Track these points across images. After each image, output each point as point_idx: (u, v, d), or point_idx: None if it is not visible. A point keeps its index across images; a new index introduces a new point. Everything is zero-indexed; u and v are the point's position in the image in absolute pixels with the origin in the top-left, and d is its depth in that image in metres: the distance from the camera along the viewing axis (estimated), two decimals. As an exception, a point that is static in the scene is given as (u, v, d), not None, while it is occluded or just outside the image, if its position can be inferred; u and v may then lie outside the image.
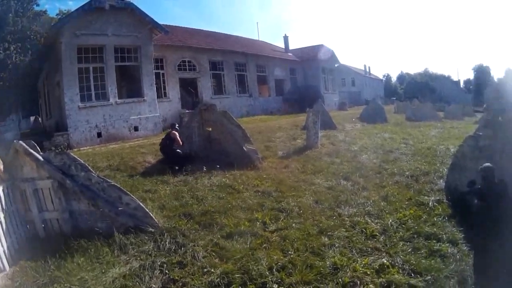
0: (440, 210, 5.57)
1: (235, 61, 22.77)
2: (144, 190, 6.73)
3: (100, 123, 13.63)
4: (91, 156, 9.30)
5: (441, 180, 7.02)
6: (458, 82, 57.74)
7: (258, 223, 5.15)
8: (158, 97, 16.32)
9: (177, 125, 9.19)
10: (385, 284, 3.69)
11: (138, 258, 4.20)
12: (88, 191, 4.91)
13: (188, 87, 20.59)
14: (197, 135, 9.24)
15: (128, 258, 4.21)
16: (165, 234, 4.70)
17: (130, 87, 16.87)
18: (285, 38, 32.34)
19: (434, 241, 4.55)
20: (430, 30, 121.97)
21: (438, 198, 6.04)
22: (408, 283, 3.69)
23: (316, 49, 30.97)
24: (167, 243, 4.51)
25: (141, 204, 5.11)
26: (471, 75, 60.88)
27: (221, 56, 21.72)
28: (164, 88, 18.12)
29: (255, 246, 4.45)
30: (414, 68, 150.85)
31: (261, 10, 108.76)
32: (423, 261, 4.07)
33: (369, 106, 20.83)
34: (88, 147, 12.35)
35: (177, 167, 8.10)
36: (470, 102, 40.37)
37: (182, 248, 4.41)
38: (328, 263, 4.03)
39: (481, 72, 57.64)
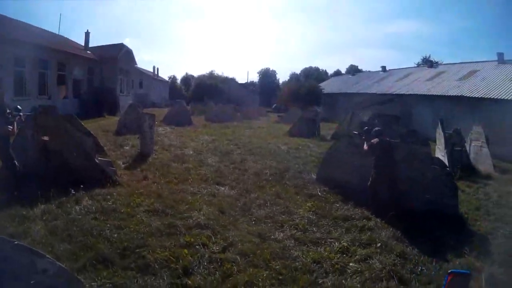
0: (333, 198, 6.46)
1: (38, 57, 19.03)
2: (9, 235, 4.03)
3: None
4: None
5: (304, 174, 8.10)
6: (246, 85, 59.28)
7: (198, 246, 4.24)
8: None
9: (18, 106, 6.79)
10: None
11: None
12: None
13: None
14: (31, 147, 6.68)
15: None
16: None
17: None
18: (86, 34, 28.30)
19: (357, 220, 5.46)
20: (216, 34, 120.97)
21: (324, 189, 6.88)
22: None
23: (116, 48, 28.84)
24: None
25: (62, 266, 3.29)
26: (255, 78, 64.32)
27: (25, 50, 17.56)
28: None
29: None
30: (198, 70, 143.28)
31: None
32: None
33: (174, 109, 20.52)
34: None
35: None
36: (258, 103, 44.01)
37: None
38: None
39: (267, 76, 61.30)
